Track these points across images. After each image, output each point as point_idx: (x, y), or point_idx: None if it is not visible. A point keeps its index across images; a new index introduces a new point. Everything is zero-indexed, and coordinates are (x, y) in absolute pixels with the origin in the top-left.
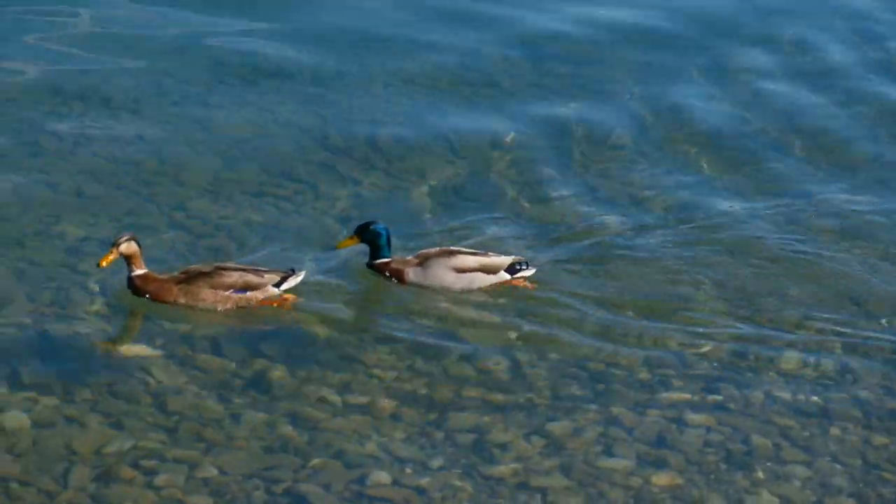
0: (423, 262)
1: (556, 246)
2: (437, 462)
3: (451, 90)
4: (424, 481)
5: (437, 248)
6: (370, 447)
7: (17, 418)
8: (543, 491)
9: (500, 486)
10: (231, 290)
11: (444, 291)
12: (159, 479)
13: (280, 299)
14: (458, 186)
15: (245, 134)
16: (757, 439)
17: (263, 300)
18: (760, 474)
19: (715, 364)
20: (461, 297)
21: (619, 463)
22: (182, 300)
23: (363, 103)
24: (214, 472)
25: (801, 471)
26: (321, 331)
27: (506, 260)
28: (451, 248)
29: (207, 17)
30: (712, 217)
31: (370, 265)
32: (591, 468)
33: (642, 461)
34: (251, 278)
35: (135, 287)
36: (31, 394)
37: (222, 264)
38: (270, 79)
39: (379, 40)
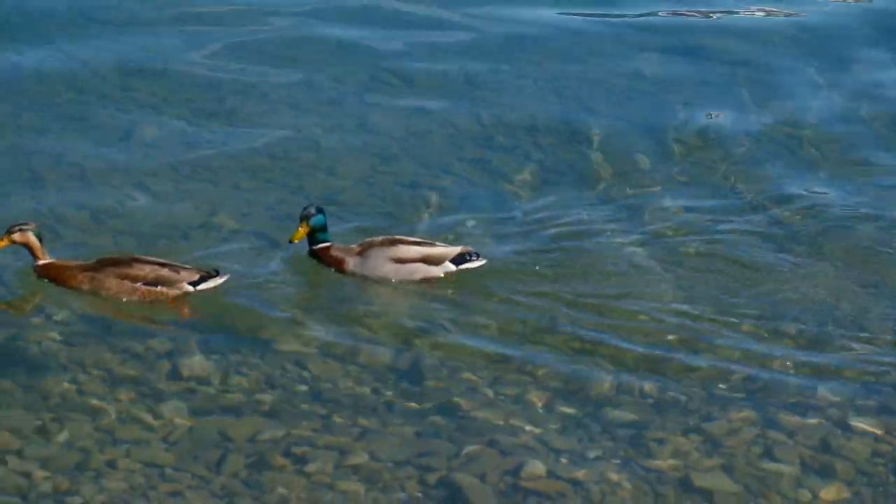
0: (364, 251)
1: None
2: (594, 453)
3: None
4: (580, 473)
5: (381, 237)
6: (524, 437)
7: (175, 407)
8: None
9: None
10: (140, 283)
11: (384, 282)
12: (310, 467)
13: (171, 299)
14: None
15: (399, 130)
16: None
17: (173, 298)
18: None
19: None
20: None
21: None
22: (86, 287)
23: (512, 101)
24: (365, 457)
25: None
26: (478, 322)
27: (452, 251)
28: (396, 237)
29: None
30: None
31: (311, 252)
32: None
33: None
34: (165, 273)
35: (39, 276)
36: (189, 384)
37: (141, 257)
38: (422, 78)
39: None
